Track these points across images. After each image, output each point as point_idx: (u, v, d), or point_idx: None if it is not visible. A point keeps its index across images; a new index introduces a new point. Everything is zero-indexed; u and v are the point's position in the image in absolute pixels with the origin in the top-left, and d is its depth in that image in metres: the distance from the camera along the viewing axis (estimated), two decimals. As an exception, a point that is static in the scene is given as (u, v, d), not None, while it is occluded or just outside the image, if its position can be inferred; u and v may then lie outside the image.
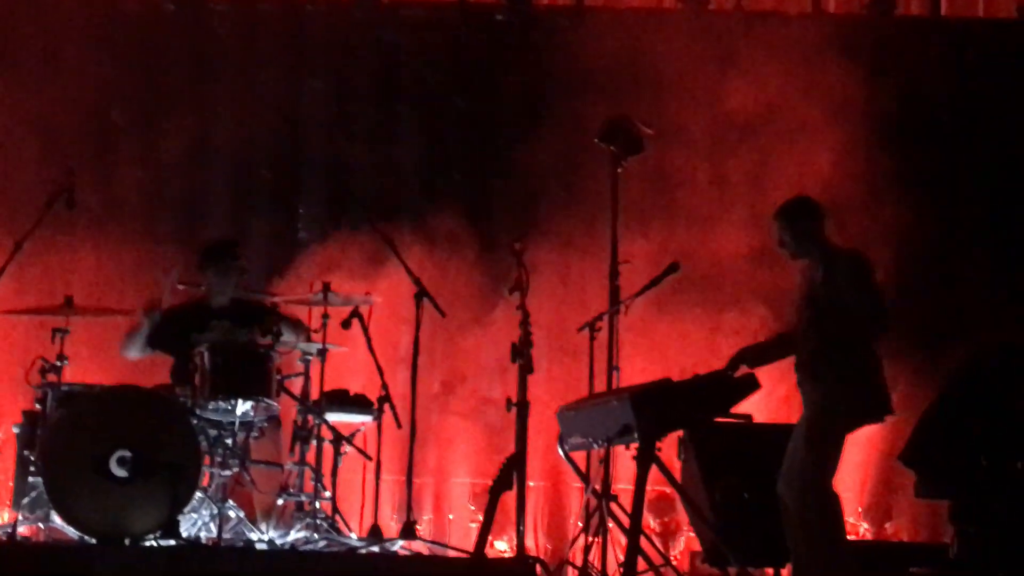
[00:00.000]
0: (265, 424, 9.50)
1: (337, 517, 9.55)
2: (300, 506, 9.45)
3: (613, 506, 9.35)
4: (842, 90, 12.18)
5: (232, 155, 12.29)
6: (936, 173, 12.28)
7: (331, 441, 9.62)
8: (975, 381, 9.52)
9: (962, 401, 9.46)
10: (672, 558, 10.72)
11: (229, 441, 9.24)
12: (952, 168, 12.41)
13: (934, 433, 9.46)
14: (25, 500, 8.99)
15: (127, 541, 8.62)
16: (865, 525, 11.67)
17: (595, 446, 9.11)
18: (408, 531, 9.52)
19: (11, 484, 9.48)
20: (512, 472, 8.36)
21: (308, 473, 9.50)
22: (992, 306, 11.84)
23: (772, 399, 10.67)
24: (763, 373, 8.88)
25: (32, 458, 9.05)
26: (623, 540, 8.91)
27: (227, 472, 9.19)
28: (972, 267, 12.16)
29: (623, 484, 10.23)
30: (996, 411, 9.31)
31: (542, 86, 12.28)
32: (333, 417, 9.69)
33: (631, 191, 10.82)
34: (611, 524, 9.27)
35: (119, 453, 8.72)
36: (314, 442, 9.55)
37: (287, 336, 9.53)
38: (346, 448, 9.67)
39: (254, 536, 9.18)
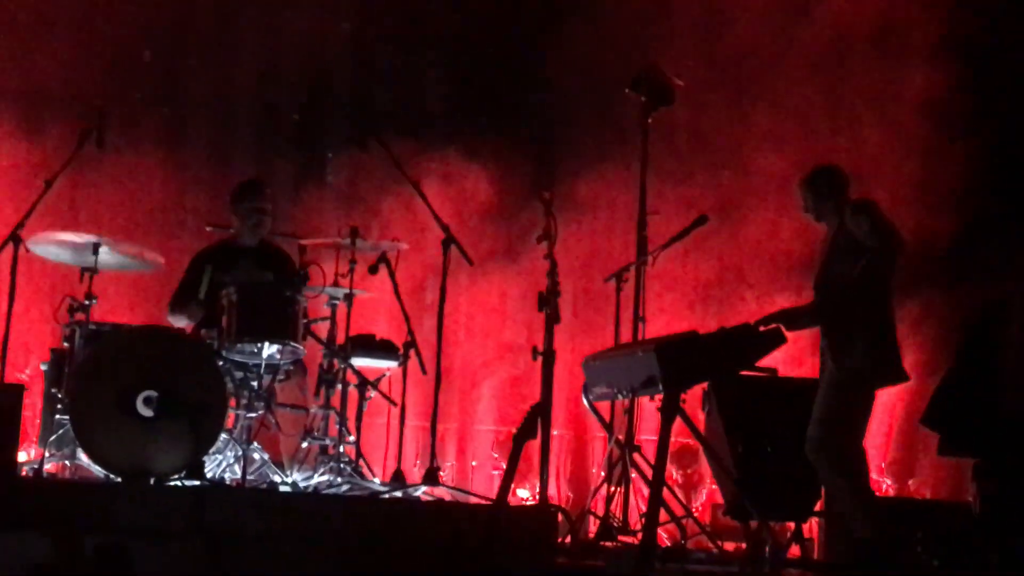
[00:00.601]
0: (291, 367, 9.53)
1: (361, 461, 9.58)
2: (324, 449, 9.48)
3: (636, 457, 9.38)
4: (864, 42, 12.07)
5: (258, 96, 12.28)
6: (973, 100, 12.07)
7: (356, 386, 9.65)
8: (988, 337, 9.53)
9: (977, 358, 9.46)
10: (694, 510, 10.75)
11: (255, 383, 9.26)
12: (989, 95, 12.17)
13: (953, 393, 9.47)
14: (52, 437, 9.03)
15: (152, 480, 8.65)
16: (888, 482, 11.67)
17: (619, 396, 9.12)
18: (431, 477, 9.55)
19: (38, 421, 9.54)
20: (536, 420, 8.33)
21: (333, 417, 9.53)
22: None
23: (798, 353, 10.66)
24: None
25: (59, 396, 9.10)
26: (645, 491, 8.94)
27: (252, 414, 9.23)
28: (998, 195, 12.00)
29: (646, 435, 10.28)
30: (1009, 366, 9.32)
31: (570, 37, 12.20)
32: (358, 362, 9.71)
33: (662, 140, 10.78)
34: (634, 474, 9.30)
35: (145, 393, 8.74)
36: (339, 386, 9.58)
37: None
38: (371, 393, 9.69)
39: (278, 478, 9.21)
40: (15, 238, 9.19)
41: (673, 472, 11.42)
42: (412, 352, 9.73)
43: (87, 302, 9.19)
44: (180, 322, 9.93)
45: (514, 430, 8.55)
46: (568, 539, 9.15)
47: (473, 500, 9.93)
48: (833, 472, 8.57)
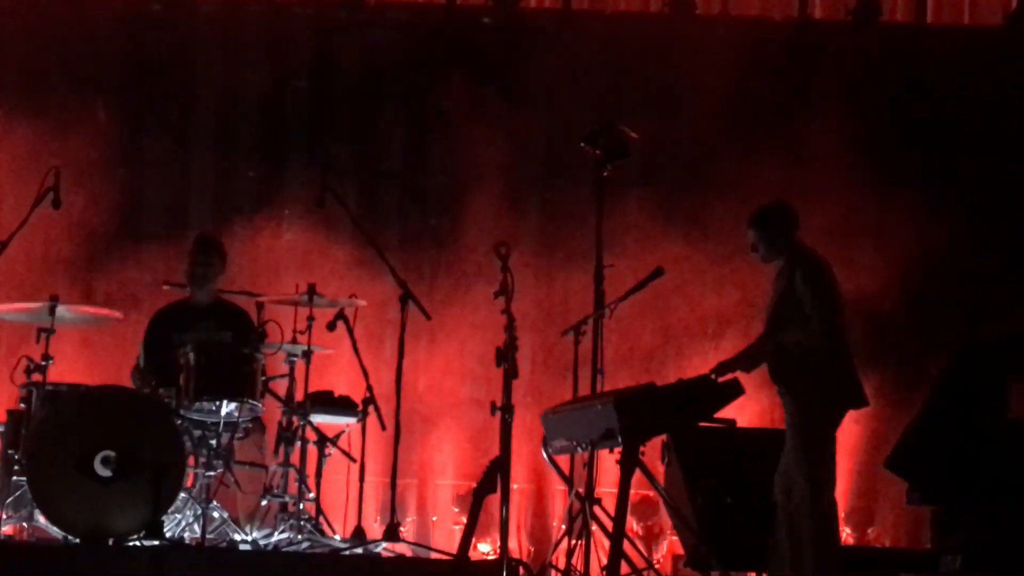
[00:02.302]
0: (249, 425, 9.52)
1: (321, 518, 9.56)
2: (284, 507, 9.45)
3: (596, 509, 9.37)
4: (826, 95, 12.24)
5: (216, 155, 12.27)
6: (917, 178, 12.29)
7: (315, 442, 9.63)
8: (960, 384, 9.56)
9: (949, 405, 9.49)
10: (655, 561, 10.75)
11: (213, 442, 9.24)
12: (934, 172, 12.41)
13: (922, 439, 9.49)
14: (9, 499, 8.98)
15: (111, 541, 8.62)
16: (847, 530, 11.69)
17: (579, 449, 9.12)
18: (392, 533, 9.53)
19: (-6, 484, 9.48)
20: (496, 475, 8.34)
21: (292, 474, 9.50)
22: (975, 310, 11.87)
23: (755, 404, 10.70)
24: (747, 379, 8.90)
25: (16, 457, 9.04)
26: (606, 543, 8.92)
27: (211, 473, 9.19)
28: (949, 270, 12.13)
29: (607, 487, 10.26)
30: (982, 414, 9.35)
31: (528, 89, 12.29)
32: (318, 418, 9.69)
33: (616, 195, 10.84)
34: (594, 527, 9.28)
35: (103, 453, 8.71)
36: (298, 443, 9.55)
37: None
38: (330, 449, 9.68)
39: (238, 537, 9.18)
40: (-30, 300, 9.17)
41: (634, 524, 11.42)
42: (371, 408, 9.73)
43: (44, 363, 9.16)
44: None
45: (474, 485, 8.56)
46: (530, 593, 9.13)
47: (434, 555, 9.91)
48: (810, 521, 8.53)
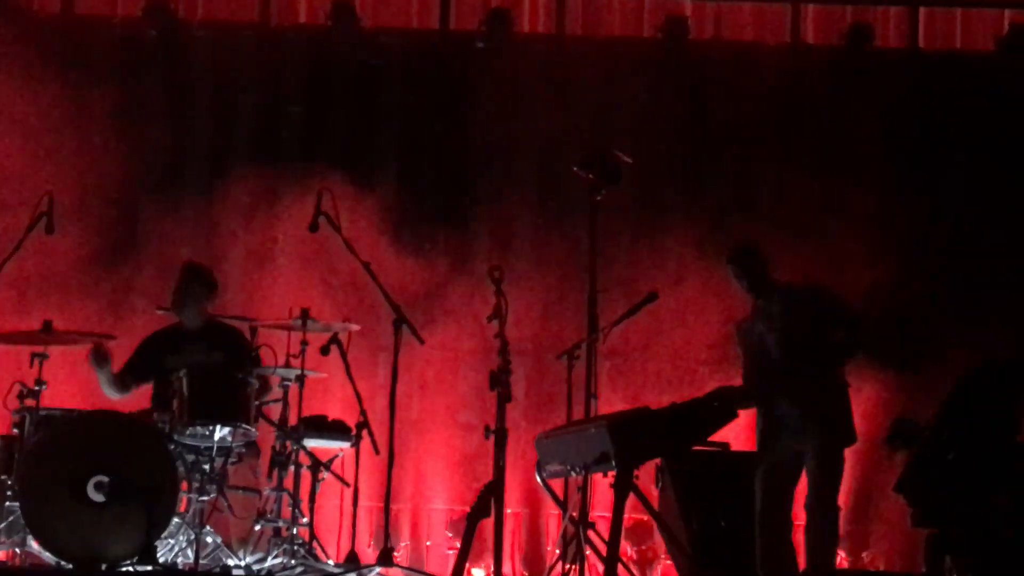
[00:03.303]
0: (243, 450, 9.50)
1: (314, 543, 9.55)
2: (277, 532, 9.44)
3: (590, 533, 9.34)
4: (819, 121, 12.27)
5: (210, 180, 12.27)
6: (912, 204, 12.32)
7: (309, 467, 9.63)
8: (969, 405, 9.55)
9: (956, 429, 9.47)
10: (649, 586, 10.74)
11: (207, 466, 9.22)
12: (927, 196, 12.43)
13: (930, 462, 9.47)
14: (2, 525, 8.97)
15: (104, 566, 8.60)
16: (842, 554, 11.68)
17: (573, 473, 9.11)
18: (385, 557, 9.52)
19: (-12, 508, 9.46)
20: (490, 499, 8.35)
21: (286, 499, 9.50)
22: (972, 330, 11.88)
23: (748, 428, 10.68)
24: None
25: (9, 483, 9.03)
26: (600, 567, 8.91)
27: (204, 497, 9.18)
28: (943, 293, 12.17)
29: (600, 511, 10.25)
30: (988, 436, 9.33)
31: (522, 113, 12.31)
32: (311, 443, 9.69)
33: (609, 220, 10.86)
34: (588, 551, 9.26)
35: (96, 478, 8.70)
36: (292, 468, 9.55)
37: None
38: (324, 474, 9.67)
39: (231, 562, 9.17)
40: (-37, 326, 9.17)
41: (628, 548, 11.41)
42: (365, 432, 9.73)
43: (37, 388, 9.16)
44: (113, 395, 9.92)
45: (468, 509, 8.55)
46: (524, 617, 9.13)
47: (428, 580, 9.90)
48: (827, 542, 8.65)
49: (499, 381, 8.72)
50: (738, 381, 9.42)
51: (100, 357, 9.83)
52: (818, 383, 8.90)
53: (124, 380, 9.97)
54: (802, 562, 8.98)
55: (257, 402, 9.36)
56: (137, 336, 10.40)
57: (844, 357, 8.99)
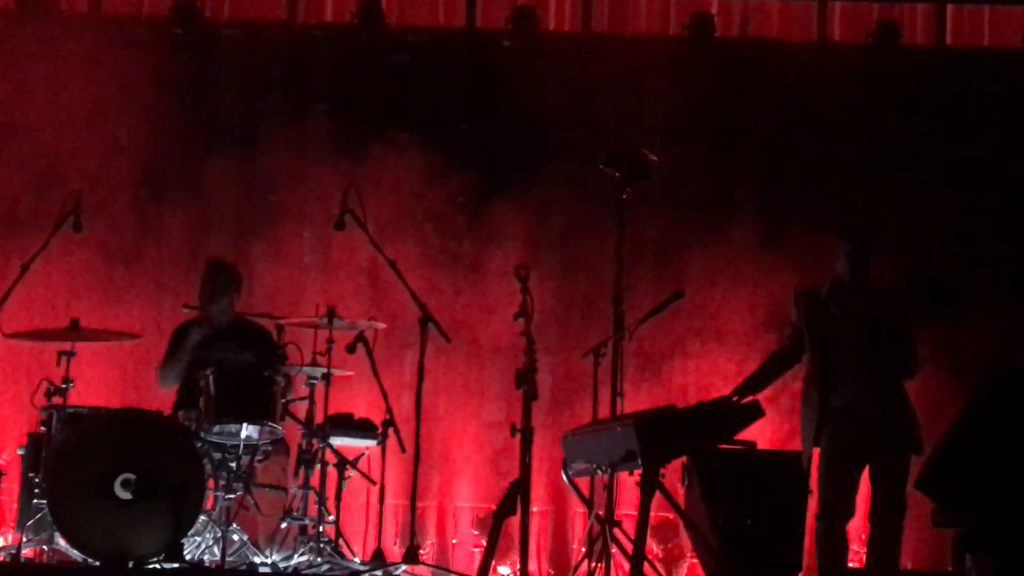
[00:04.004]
0: (269, 447, 9.51)
1: (340, 541, 9.56)
2: (304, 530, 9.45)
3: (616, 532, 9.34)
4: (845, 118, 12.24)
5: (237, 178, 12.29)
6: (941, 202, 12.27)
7: (335, 465, 9.63)
8: (993, 406, 9.50)
9: (981, 427, 9.42)
10: (675, 584, 10.73)
11: (233, 464, 9.24)
12: (957, 196, 12.39)
13: (951, 461, 9.43)
14: (29, 522, 9.01)
15: (131, 564, 8.62)
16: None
17: (599, 472, 9.10)
18: (411, 555, 9.53)
19: (15, 506, 9.51)
20: (516, 497, 8.34)
21: (312, 497, 9.51)
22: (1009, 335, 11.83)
23: (775, 426, 10.68)
24: (768, 402, 8.89)
25: (37, 480, 9.07)
26: (626, 566, 8.90)
27: (231, 495, 9.19)
28: (972, 287, 12.11)
29: (627, 509, 10.25)
30: (1013, 435, 9.29)
31: (548, 111, 12.31)
32: (337, 441, 9.70)
33: (637, 217, 10.85)
34: (614, 550, 9.25)
35: (123, 476, 8.72)
36: (318, 466, 9.56)
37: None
38: (350, 472, 9.68)
39: (258, 560, 9.18)
40: (-8, 324, 9.20)
41: (654, 546, 11.39)
42: (391, 430, 9.74)
43: (64, 385, 9.19)
44: (168, 382, 9.92)
45: (493, 507, 8.55)
46: (550, 615, 9.13)
47: (454, 578, 9.91)
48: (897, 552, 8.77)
49: (525, 379, 8.72)
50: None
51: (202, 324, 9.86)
52: (899, 388, 8.79)
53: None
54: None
55: (284, 400, 9.37)
56: (164, 335, 10.42)
57: (908, 373, 8.88)
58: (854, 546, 10.68)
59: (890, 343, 8.76)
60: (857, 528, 10.62)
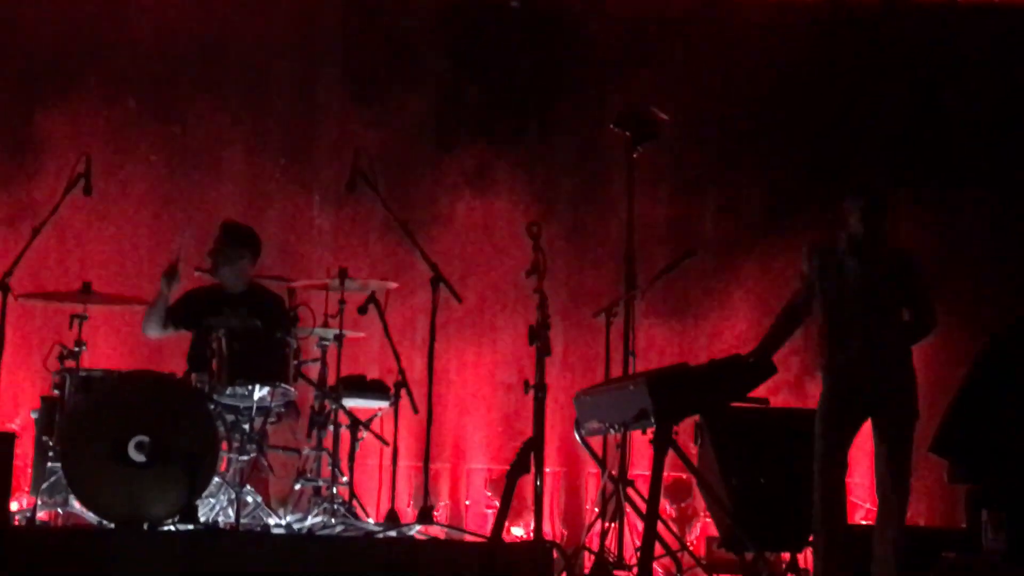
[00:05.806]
0: (282, 409, 9.52)
1: (354, 502, 9.57)
2: (317, 491, 9.46)
3: (630, 491, 9.36)
4: (858, 75, 12.19)
5: (245, 141, 12.27)
6: (951, 161, 12.21)
7: (348, 426, 9.64)
8: (1000, 362, 9.49)
9: (989, 384, 9.41)
10: (689, 543, 10.72)
11: (246, 426, 9.25)
12: (966, 155, 12.32)
13: (963, 419, 9.42)
14: (44, 485, 9.03)
15: (145, 526, 8.63)
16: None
17: (612, 431, 9.12)
18: (425, 516, 9.54)
19: (30, 469, 9.52)
20: (529, 456, 8.34)
21: (325, 458, 9.52)
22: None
23: (789, 384, 10.67)
24: (780, 361, 8.86)
25: (51, 443, 9.09)
26: (640, 525, 8.92)
27: (244, 457, 9.20)
28: (978, 256, 12.06)
29: (640, 469, 10.27)
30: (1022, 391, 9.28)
31: (556, 72, 12.27)
32: (350, 402, 9.71)
33: (647, 177, 10.83)
34: (628, 509, 9.28)
35: (137, 438, 8.73)
36: (331, 427, 9.56)
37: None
38: (363, 433, 9.69)
39: (272, 521, 9.20)
40: (3, 287, 9.18)
41: (667, 506, 11.40)
42: (403, 391, 9.74)
43: (77, 349, 9.20)
44: (148, 329, 9.94)
45: (506, 469, 8.55)
46: (564, 575, 9.12)
47: (468, 538, 9.91)
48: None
49: (538, 336, 8.71)
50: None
51: (171, 274, 9.83)
52: (903, 353, 8.60)
53: (167, 319, 9.97)
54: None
55: (296, 362, 9.37)
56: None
57: (916, 338, 8.69)
58: (867, 504, 10.71)
59: (904, 300, 8.66)
60: (867, 485, 10.65)
